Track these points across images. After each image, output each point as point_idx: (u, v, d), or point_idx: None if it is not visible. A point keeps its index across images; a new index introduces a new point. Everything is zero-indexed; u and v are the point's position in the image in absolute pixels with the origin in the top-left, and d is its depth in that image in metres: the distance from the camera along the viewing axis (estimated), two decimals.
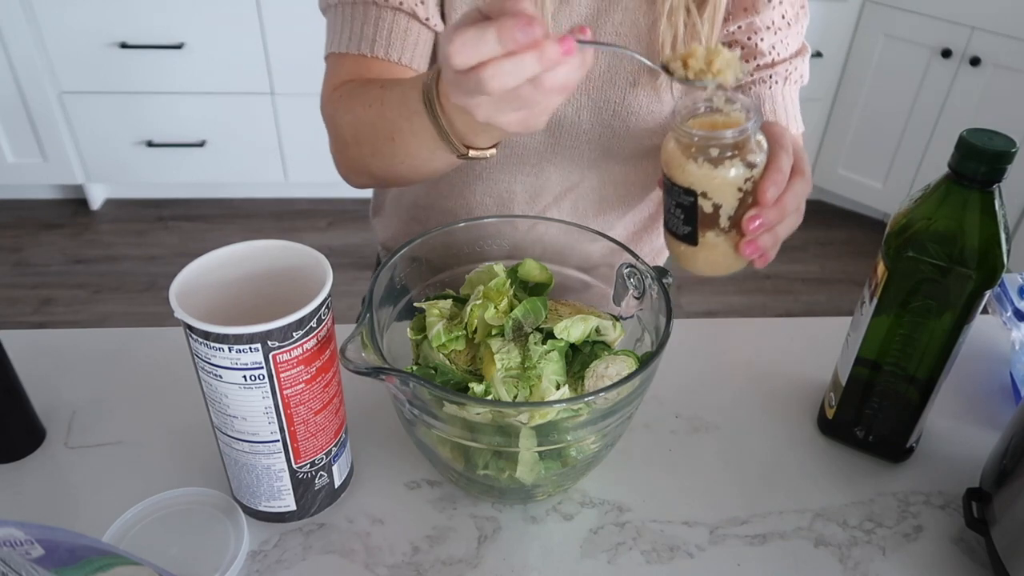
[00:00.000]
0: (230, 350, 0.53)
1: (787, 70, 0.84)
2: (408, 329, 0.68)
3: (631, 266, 0.68)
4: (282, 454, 0.59)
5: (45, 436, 0.71)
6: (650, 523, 0.66)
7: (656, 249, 1.01)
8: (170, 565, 0.59)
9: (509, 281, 0.68)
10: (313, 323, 0.55)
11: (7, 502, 0.65)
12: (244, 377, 0.54)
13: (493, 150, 0.62)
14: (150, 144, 2.50)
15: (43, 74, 2.36)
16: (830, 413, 0.73)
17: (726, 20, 0.81)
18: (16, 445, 0.69)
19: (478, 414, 0.56)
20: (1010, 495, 0.61)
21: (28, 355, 0.69)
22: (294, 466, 0.61)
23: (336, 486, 0.65)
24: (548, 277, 0.71)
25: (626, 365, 0.62)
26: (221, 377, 0.55)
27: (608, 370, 0.62)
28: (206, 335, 0.53)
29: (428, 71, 0.58)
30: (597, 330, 0.66)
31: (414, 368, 0.66)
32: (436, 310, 0.66)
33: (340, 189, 2.71)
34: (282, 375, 0.55)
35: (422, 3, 0.73)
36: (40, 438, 0.70)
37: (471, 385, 0.61)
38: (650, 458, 0.72)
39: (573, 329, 0.64)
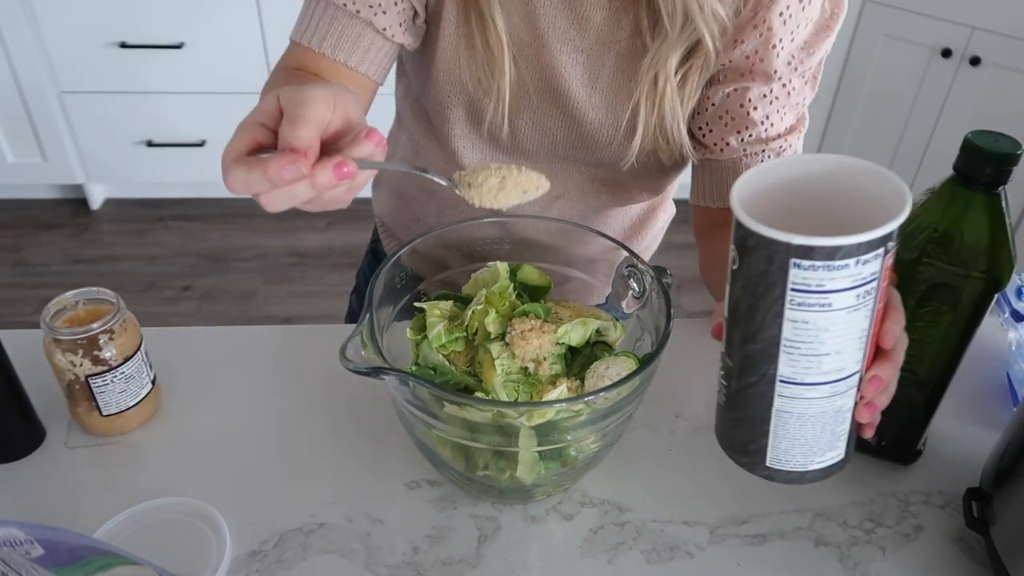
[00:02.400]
0: (856, 264, 0.43)
1: (780, 147, 0.78)
2: (408, 329, 0.68)
3: (631, 266, 0.68)
4: (856, 389, 0.49)
5: (45, 436, 0.71)
6: (650, 523, 0.66)
7: (649, 247, 1.02)
8: None
9: (512, 285, 0.68)
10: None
11: (7, 502, 0.65)
12: (857, 296, 0.44)
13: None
14: (150, 144, 2.50)
15: (43, 74, 2.36)
16: None
17: (718, 82, 0.76)
18: (16, 445, 0.69)
19: (480, 411, 0.56)
20: (1010, 495, 0.61)
21: (28, 355, 0.69)
22: (856, 400, 0.51)
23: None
24: (547, 282, 0.71)
25: (626, 365, 0.62)
26: (831, 305, 0.44)
27: (608, 370, 0.62)
28: (834, 252, 0.42)
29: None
30: (598, 331, 0.66)
31: (414, 368, 0.66)
32: (437, 311, 0.66)
33: None
34: (884, 284, 0.46)
35: (383, 13, 0.73)
36: (40, 438, 0.70)
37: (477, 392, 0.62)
38: (650, 458, 0.72)
39: (573, 333, 0.64)
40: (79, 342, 0.65)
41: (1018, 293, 0.86)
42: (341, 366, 0.55)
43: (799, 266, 0.43)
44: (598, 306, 0.72)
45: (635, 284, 0.68)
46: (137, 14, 2.29)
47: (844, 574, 0.63)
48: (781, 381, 0.48)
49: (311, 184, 0.49)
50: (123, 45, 2.33)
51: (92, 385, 0.67)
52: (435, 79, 0.79)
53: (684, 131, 0.77)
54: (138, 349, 0.69)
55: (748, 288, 0.46)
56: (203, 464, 0.69)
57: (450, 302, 0.68)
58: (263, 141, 0.51)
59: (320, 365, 0.78)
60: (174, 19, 2.30)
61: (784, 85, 0.75)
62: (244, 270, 2.43)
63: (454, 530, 0.65)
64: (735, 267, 0.47)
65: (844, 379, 0.48)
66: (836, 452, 0.53)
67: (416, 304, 0.68)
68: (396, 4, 0.73)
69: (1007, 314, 0.86)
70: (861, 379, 0.49)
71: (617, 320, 0.68)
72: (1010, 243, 0.59)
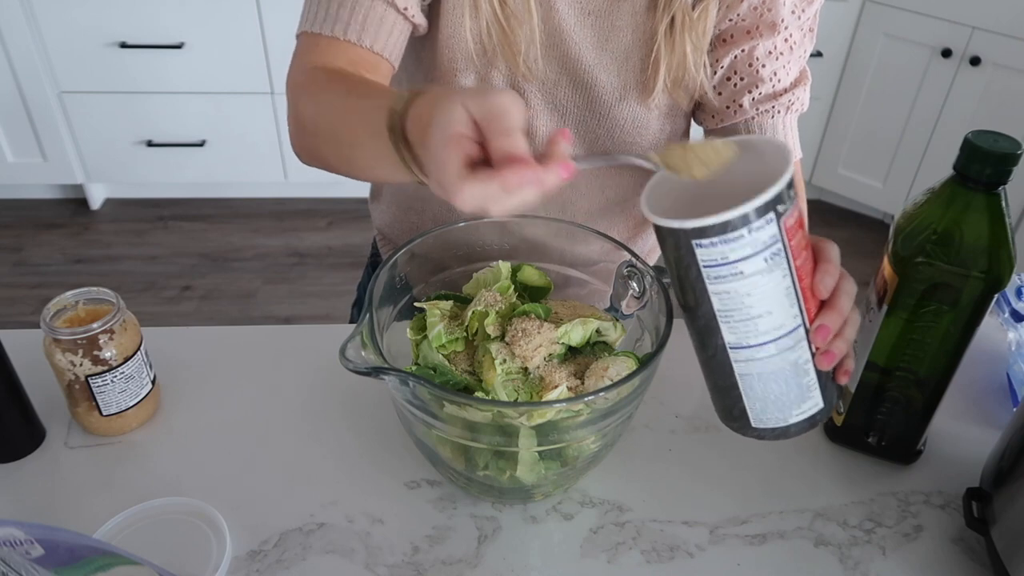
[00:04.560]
0: (749, 232, 0.48)
1: (789, 100, 0.82)
2: (408, 329, 0.68)
3: (631, 266, 0.68)
4: (805, 341, 0.53)
5: (45, 436, 0.71)
6: (650, 523, 0.66)
7: (652, 247, 1.01)
8: None
9: (512, 286, 0.68)
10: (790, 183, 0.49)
11: (7, 502, 0.65)
12: (764, 260, 0.49)
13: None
14: (150, 144, 2.50)
15: (43, 74, 2.36)
16: (839, 420, 0.72)
17: (725, 42, 0.78)
18: (16, 445, 0.69)
19: (480, 411, 0.56)
20: (1010, 495, 0.61)
21: (28, 355, 0.69)
22: (813, 352, 0.54)
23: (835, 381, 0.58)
24: (547, 282, 0.71)
25: (626, 365, 0.62)
26: (743, 273, 0.49)
27: (608, 370, 0.62)
28: (724, 227, 0.47)
29: (397, 96, 0.57)
30: (598, 331, 0.66)
31: (414, 368, 0.66)
32: (437, 310, 0.66)
33: (340, 189, 2.72)
34: (791, 242, 0.50)
35: None
36: (40, 438, 0.70)
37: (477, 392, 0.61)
38: (650, 458, 0.72)
39: (573, 333, 0.64)
40: (79, 342, 0.65)
41: (1018, 293, 0.86)
42: (341, 366, 0.55)
43: (700, 245, 0.48)
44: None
45: (635, 284, 0.68)
46: (137, 14, 2.29)
47: (844, 574, 0.63)
48: (731, 348, 0.53)
49: (539, 186, 0.49)
50: (123, 45, 2.33)
51: (92, 385, 0.67)
52: (439, 59, 0.77)
53: (705, 70, 0.78)
54: (138, 349, 0.69)
55: (675, 273, 0.52)
56: (203, 464, 0.69)
57: (450, 302, 0.68)
58: (473, 154, 0.50)
59: (320, 365, 0.78)
60: (174, 19, 2.30)
61: (787, 39, 0.78)
62: (244, 270, 2.43)
63: (454, 530, 0.65)
64: (663, 258, 0.53)
65: (787, 335, 0.52)
66: (813, 402, 0.56)
67: (416, 304, 0.68)
68: None
69: (1007, 314, 0.86)
70: (807, 330, 0.53)
71: (617, 320, 0.68)
72: (1010, 243, 0.60)
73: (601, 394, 0.56)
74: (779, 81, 0.80)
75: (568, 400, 0.59)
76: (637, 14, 0.75)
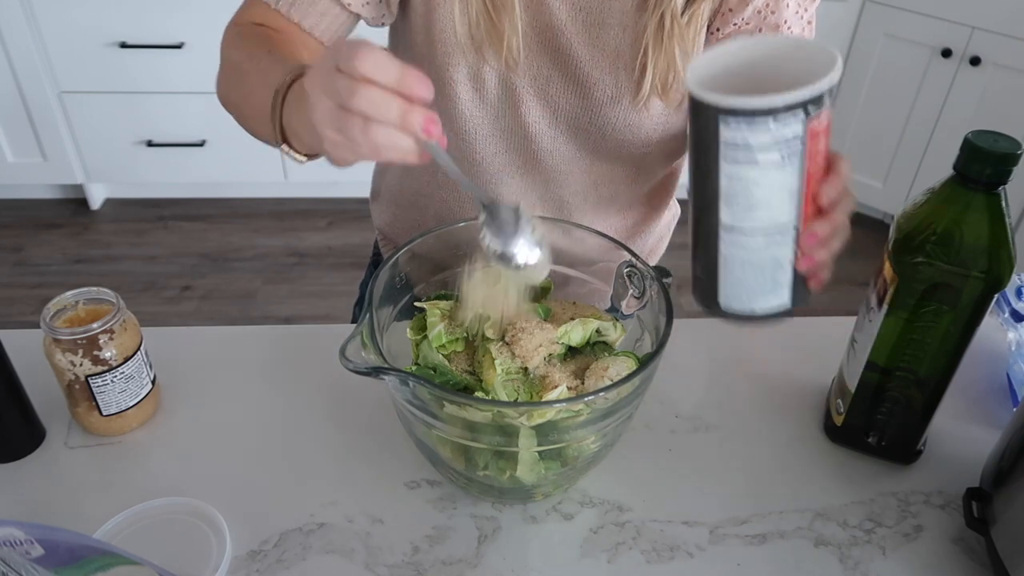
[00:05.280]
0: (776, 124, 0.49)
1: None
2: (408, 329, 0.68)
3: (631, 266, 0.68)
4: (793, 241, 0.55)
5: (45, 436, 0.71)
6: (650, 523, 0.66)
7: (649, 248, 1.01)
8: None
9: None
10: (834, 91, 0.51)
11: (7, 502, 0.65)
12: (781, 155, 0.51)
13: (304, 158, 0.65)
14: (150, 144, 2.50)
15: (43, 74, 2.35)
16: (838, 420, 0.72)
17: (731, 10, 0.77)
18: (16, 445, 0.69)
19: (480, 411, 0.56)
20: (1010, 495, 0.61)
21: (28, 355, 0.69)
22: (796, 253, 0.56)
23: (805, 286, 0.60)
24: (547, 283, 0.71)
25: (626, 365, 0.62)
26: (757, 162, 0.51)
27: (608, 370, 0.62)
28: (753, 113, 0.49)
29: (296, 65, 0.61)
30: (598, 331, 0.66)
31: (414, 368, 0.66)
32: (438, 310, 0.66)
33: (340, 189, 2.72)
34: (811, 146, 0.52)
35: None
36: (40, 438, 0.70)
37: (477, 392, 0.61)
38: (650, 458, 0.72)
39: (573, 333, 0.64)
40: (79, 342, 0.65)
41: (1018, 293, 0.86)
42: (341, 366, 0.55)
43: (727, 124, 0.50)
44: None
45: (635, 284, 0.68)
46: (137, 14, 2.29)
47: (844, 574, 0.63)
48: (723, 229, 0.55)
49: (405, 112, 0.50)
50: (123, 45, 2.33)
51: (92, 385, 0.67)
52: (434, 51, 0.79)
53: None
54: (138, 349, 0.69)
55: (695, 145, 0.54)
56: (203, 464, 0.69)
57: (450, 302, 0.68)
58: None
59: (320, 365, 0.78)
60: (174, 19, 2.30)
61: (797, 11, 0.78)
62: (244, 270, 2.43)
63: (454, 530, 0.65)
64: (688, 129, 0.55)
65: (779, 231, 0.55)
66: (781, 300, 0.59)
67: (416, 304, 0.68)
68: None
69: (1007, 314, 0.86)
70: (799, 234, 0.55)
71: (617, 320, 0.68)
72: (1010, 243, 0.60)
73: (601, 394, 0.56)
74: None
75: (568, 400, 0.59)
76: (627, 13, 0.76)
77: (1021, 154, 0.58)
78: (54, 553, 0.49)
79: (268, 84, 0.63)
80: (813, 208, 0.55)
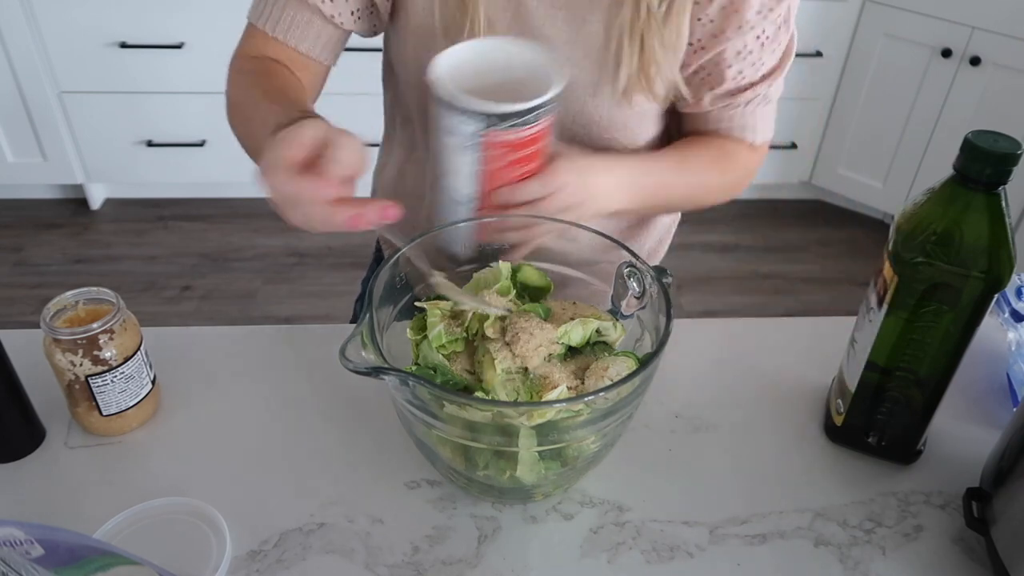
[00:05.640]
0: (462, 120, 0.64)
1: (751, 95, 0.82)
2: (408, 329, 0.68)
3: (631, 266, 0.68)
4: (468, 212, 0.70)
5: (45, 436, 0.71)
6: (650, 523, 0.66)
7: (649, 250, 1.01)
8: None
9: (511, 286, 0.68)
10: (529, 118, 0.64)
11: (7, 502, 0.65)
12: (463, 144, 0.65)
13: None
14: (150, 144, 2.50)
15: (43, 74, 2.35)
16: (838, 420, 0.72)
17: (697, 51, 0.78)
18: (16, 445, 0.69)
19: (480, 411, 0.56)
20: (1010, 495, 0.61)
21: (28, 355, 0.69)
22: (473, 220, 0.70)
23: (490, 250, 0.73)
24: (547, 283, 0.71)
25: (626, 365, 0.62)
26: (451, 139, 0.66)
27: (608, 370, 0.62)
28: (451, 105, 0.64)
29: (292, 113, 0.65)
30: (598, 331, 0.66)
31: (414, 368, 0.66)
32: (438, 310, 0.66)
33: None
34: (488, 152, 0.65)
35: (330, 1, 0.77)
36: (40, 438, 0.70)
37: (477, 392, 0.61)
38: (650, 458, 0.72)
39: (573, 333, 0.64)
40: (79, 342, 0.65)
41: (1018, 293, 0.86)
42: (341, 366, 0.55)
43: (437, 103, 0.65)
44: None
45: (635, 284, 0.68)
46: (137, 14, 2.29)
47: (844, 574, 0.63)
48: (437, 176, 0.71)
49: (321, 215, 0.59)
50: (123, 45, 2.33)
51: (92, 385, 0.67)
52: (407, 49, 0.81)
53: (673, 71, 0.78)
54: (138, 349, 0.69)
55: (429, 111, 0.69)
56: (203, 464, 0.69)
57: (450, 302, 0.68)
58: (298, 162, 0.58)
59: (320, 365, 0.78)
60: (174, 19, 2.30)
61: (758, 36, 0.78)
62: (244, 270, 2.43)
63: (454, 530, 0.65)
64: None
65: (463, 196, 0.70)
66: (461, 245, 0.72)
67: (416, 304, 0.68)
68: None
69: (1007, 314, 0.86)
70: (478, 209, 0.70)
71: (617, 320, 0.68)
72: (1010, 243, 0.59)
73: (601, 394, 0.56)
74: (744, 78, 0.81)
75: (568, 400, 0.59)
76: (604, 9, 0.76)
77: (1021, 154, 0.58)
78: (54, 553, 0.49)
79: (267, 126, 0.67)
80: (490, 198, 0.69)
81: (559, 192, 0.70)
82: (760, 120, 0.86)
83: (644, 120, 0.83)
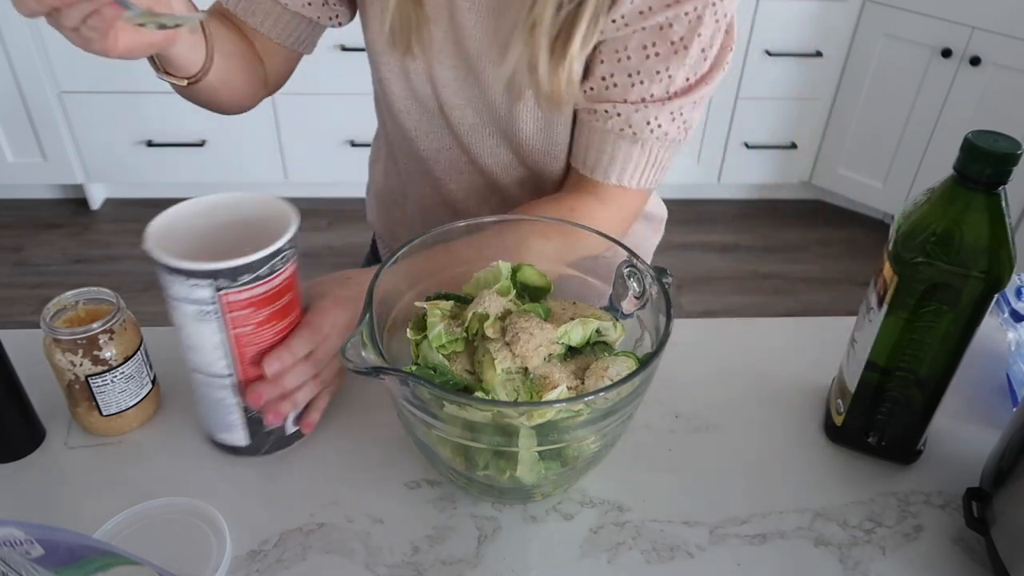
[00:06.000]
0: (185, 283, 0.58)
1: (626, 113, 0.75)
2: (408, 329, 0.68)
3: (631, 266, 0.68)
4: (231, 389, 0.64)
5: (45, 436, 0.71)
6: (650, 523, 0.66)
7: (648, 250, 1.02)
8: None
9: (511, 286, 0.68)
10: (263, 271, 0.59)
11: (7, 502, 0.65)
12: (198, 312, 0.60)
13: (183, 81, 0.73)
14: (150, 144, 2.50)
15: (43, 74, 2.36)
16: (838, 420, 0.72)
17: (599, 60, 0.75)
18: (16, 445, 0.69)
19: (480, 411, 0.56)
20: (1010, 495, 0.61)
21: (28, 355, 0.69)
22: (240, 401, 0.65)
23: (287, 433, 0.69)
24: (547, 283, 0.71)
25: (626, 365, 0.62)
26: (185, 310, 0.60)
27: (608, 370, 0.62)
28: (167, 267, 0.58)
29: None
30: (598, 331, 0.66)
31: (414, 368, 0.66)
32: (438, 310, 0.66)
33: (340, 189, 2.72)
34: (231, 315, 0.60)
35: None
36: (40, 438, 0.70)
37: (477, 392, 0.61)
38: (650, 458, 0.72)
39: (573, 333, 0.64)
40: (79, 342, 0.65)
41: (1018, 293, 0.86)
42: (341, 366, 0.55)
43: (159, 268, 0.59)
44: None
45: (635, 284, 0.68)
46: None
47: (844, 574, 0.63)
48: (184, 351, 0.64)
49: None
50: None
51: (92, 385, 0.67)
52: (369, 45, 0.83)
53: (563, 72, 0.74)
54: (138, 349, 0.69)
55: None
56: (203, 464, 0.69)
57: (450, 302, 0.68)
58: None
59: None
60: None
61: (644, 47, 0.73)
62: None
63: (454, 530, 0.65)
64: None
65: (214, 376, 0.63)
66: (237, 436, 0.67)
67: (416, 304, 0.68)
68: None
69: (1007, 314, 0.86)
70: (238, 385, 0.64)
71: (617, 320, 0.68)
72: (1010, 243, 0.60)
73: (601, 394, 0.56)
74: (614, 84, 0.76)
75: (568, 400, 0.59)
76: (518, 8, 0.74)
77: (1021, 154, 0.58)
78: (54, 553, 0.49)
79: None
80: (256, 369, 0.63)
81: (332, 333, 0.66)
82: (638, 162, 0.79)
83: (549, 125, 0.82)
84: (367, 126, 1.02)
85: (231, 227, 0.65)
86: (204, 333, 0.61)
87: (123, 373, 0.68)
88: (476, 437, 0.58)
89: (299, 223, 0.62)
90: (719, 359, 0.83)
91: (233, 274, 0.58)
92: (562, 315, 0.68)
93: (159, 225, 0.61)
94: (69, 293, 0.68)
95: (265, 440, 0.68)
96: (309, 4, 0.81)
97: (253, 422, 0.66)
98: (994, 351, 0.84)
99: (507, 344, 0.63)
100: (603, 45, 0.75)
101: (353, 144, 2.54)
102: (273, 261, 0.60)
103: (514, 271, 0.70)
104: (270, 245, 0.59)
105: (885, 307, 0.65)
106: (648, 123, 0.76)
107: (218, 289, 0.58)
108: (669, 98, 0.76)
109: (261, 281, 0.60)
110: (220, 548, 0.61)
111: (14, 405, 0.68)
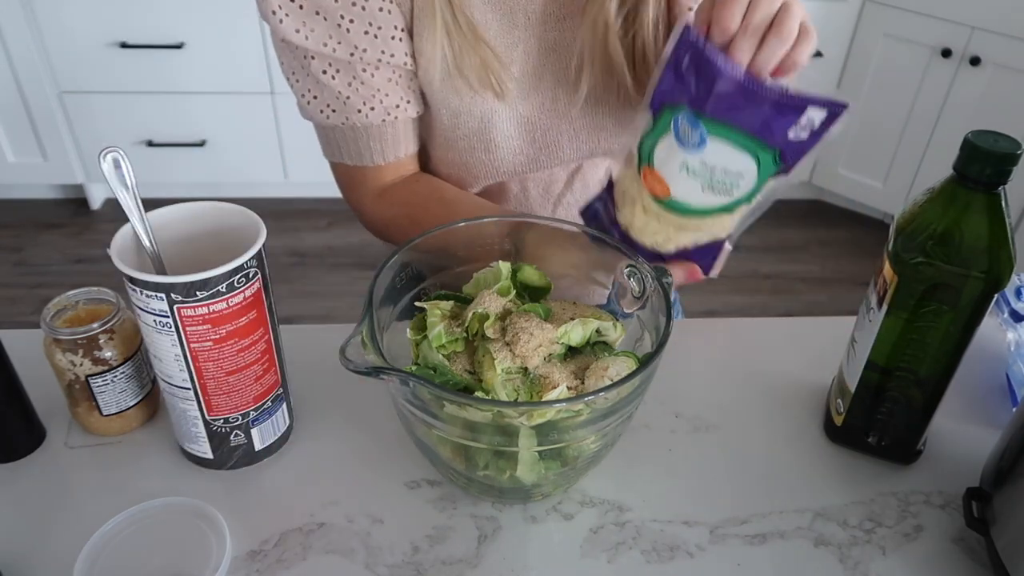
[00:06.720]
0: (141, 294, 0.58)
1: None
2: (408, 329, 0.68)
3: (631, 266, 0.68)
4: (194, 403, 0.64)
5: (45, 436, 0.71)
6: (650, 523, 0.66)
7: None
8: None
9: (511, 285, 0.68)
10: (222, 288, 0.58)
11: (7, 502, 0.65)
12: (155, 323, 0.59)
13: None
14: (150, 144, 2.51)
15: (43, 74, 2.36)
16: (838, 420, 0.72)
17: None
18: (16, 445, 0.69)
19: (480, 411, 0.56)
20: (1010, 495, 0.61)
21: (28, 355, 0.69)
22: (207, 417, 0.65)
23: (256, 449, 0.68)
24: (547, 283, 0.71)
25: (626, 365, 0.62)
26: (140, 317, 0.60)
27: (608, 370, 0.62)
28: (125, 276, 0.58)
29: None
30: (598, 331, 0.66)
31: (414, 368, 0.66)
32: (438, 310, 0.66)
33: None
34: (188, 329, 0.59)
35: (384, 102, 0.80)
36: (40, 438, 0.70)
37: (477, 392, 0.61)
38: (650, 458, 0.72)
39: (573, 333, 0.64)
40: (79, 342, 0.65)
41: (1018, 293, 0.86)
42: (341, 366, 0.55)
43: (123, 278, 0.59)
44: (598, 307, 0.72)
45: (635, 284, 0.68)
46: (137, 14, 2.29)
47: (844, 574, 0.63)
48: (155, 373, 0.64)
49: None
50: (123, 45, 2.33)
51: (92, 385, 0.67)
52: (455, 125, 0.84)
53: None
54: (138, 349, 0.69)
55: None
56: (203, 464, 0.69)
57: (450, 302, 0.68)
58: None
59: (320, 365, 0.78)
60: (174, 19, 2.30)
61: None
62: None
63: (454, 530, 0.65)
64: None
65: (175, 386, 0.63)
66: (201, 447, 0.67)
67: (416, 304, 0.68)
68: (391, 81, 0.80)
69: (1006, 314, 0.86)
70: (199, 398, 0.63)
71: (617, 320, 0.68)
72: (1010, 243, 0.59)
73: (601, 394, 0.56)
74: None
75: (568, 400, 0.59)
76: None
77: (1021, 154, 0.58)
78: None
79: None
80: (217, 383, 0.63)
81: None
82: None
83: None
84: None
85: (217, 235, 0.65)
86: (164, 344, 0.61)
87: (123, 373, 0.68)
88: (476, 437, 0.58)
89: (264, 242, 0.62)
90: (719, 359, 0.83)
91: (187, 289, 0.57)
92: (562, 315, 0.68)
93: (126, 233, 0.62)
94: (69, 293, 0.68)
95: (231, 455, 0.67)
96: (409, 103, 0.83)
97: (215, 436, 0.66)
98: (994, 351, 0.84)
99: (507, 344, 0.63)
100: None
101: None
102: (233, 279, 0.59)
103: (514, 271, 0.70)
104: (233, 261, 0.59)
105: (885, 307, 0.65)
106: None
107: (172, 304, 0.58)
108: None
109: (220, 298, 0.59)
110: (220, 548, 0.61)
111: (14, 405, 0.68)
